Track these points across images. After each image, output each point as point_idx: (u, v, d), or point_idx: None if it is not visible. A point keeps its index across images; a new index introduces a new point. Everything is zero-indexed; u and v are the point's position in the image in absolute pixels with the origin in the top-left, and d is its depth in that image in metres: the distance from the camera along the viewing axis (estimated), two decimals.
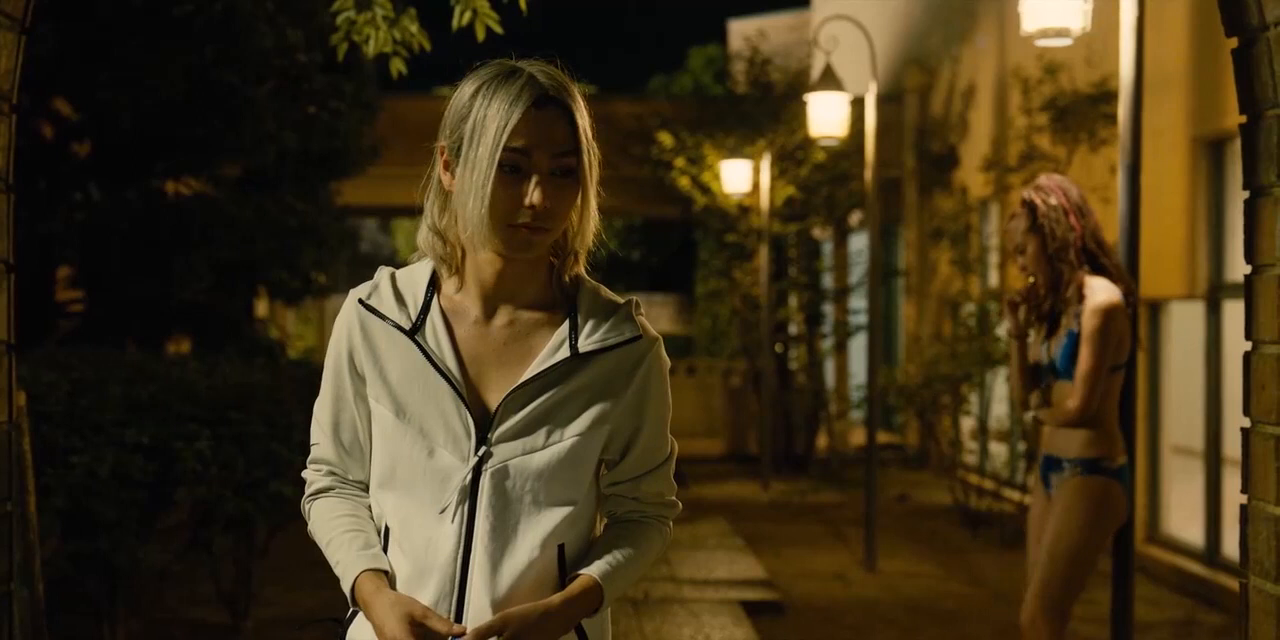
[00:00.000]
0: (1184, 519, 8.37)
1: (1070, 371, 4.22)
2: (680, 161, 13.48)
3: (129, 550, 5.49)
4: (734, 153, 12.64)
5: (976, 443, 11.03)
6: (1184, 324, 8.36)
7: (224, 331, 8.96)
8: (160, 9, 6.55)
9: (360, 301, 1.94)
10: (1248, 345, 1.95)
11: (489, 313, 1.95)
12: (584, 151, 1.89)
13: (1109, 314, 4.12)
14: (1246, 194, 1.94)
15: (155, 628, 6.22)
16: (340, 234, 9.09)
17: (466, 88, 1.89)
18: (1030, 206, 4.26)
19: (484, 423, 1.89)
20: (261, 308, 13.64)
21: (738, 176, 12.49)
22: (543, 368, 1.90)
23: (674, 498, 2.07)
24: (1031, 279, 4.32)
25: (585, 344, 1.91)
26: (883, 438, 13.10)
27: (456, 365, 1.90)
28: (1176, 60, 8.19)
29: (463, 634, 1.83)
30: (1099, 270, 4.24)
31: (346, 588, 1.92)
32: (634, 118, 14.00)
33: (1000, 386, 10.61)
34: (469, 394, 1.90)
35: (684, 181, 13.52)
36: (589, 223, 1.94)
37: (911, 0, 15.69)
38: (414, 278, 1.97)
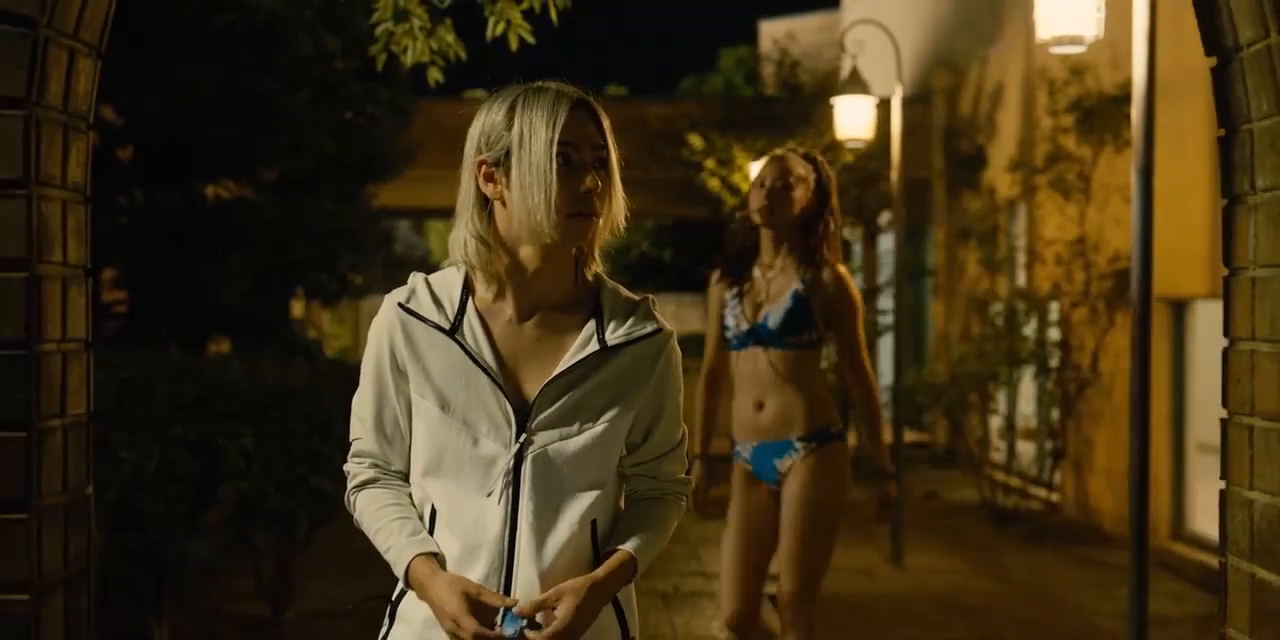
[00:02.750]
0: (1209, 516, 8.47)
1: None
2: (710, 163, 13.62)
3: (176, 544, 5.68)
4: (763, 154, 12.77)
5: (1004, 441, 11.13)
6: (1208, 322, 8.45)
7: (262, 332, 9.17)
8: (201, 19, 6.74)
9: (400, 305, 2.11)
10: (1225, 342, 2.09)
11: (522, 312, 2.13)
12: (611, 145, 2.10)
13: None
14: (1225, 202, 2.08)
15: (198, 622, 6.39)
16: (376, 236, 9.29)
17: (498, 107, 2.09)
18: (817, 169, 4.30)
19: (523, 412, 2.07)
20: (297, 308, 13.87)
21: None
22: (574, 361, 2.08)
23: (686, 476, 2.27)
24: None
25: (612, 338, 2.10)
26: (912, 436, 13.21)
27: (495, 361, 2.08)
28: (1199, 62, 8.28)
29: (514, 606, 2.00)
30: None
31: (400, 571, 2.08)
32: (664, 120, 14.15)
33: (1027, 385, 10.70)
34: (507, 386, 2.07)
35: (714, 183, 13.66)
36: (619, 209, 2.12)
37: (939, 2, 15.78)
38: (448, 282, 2.15)
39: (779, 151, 4.34)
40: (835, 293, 4.20)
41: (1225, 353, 2.07)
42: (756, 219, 4.19)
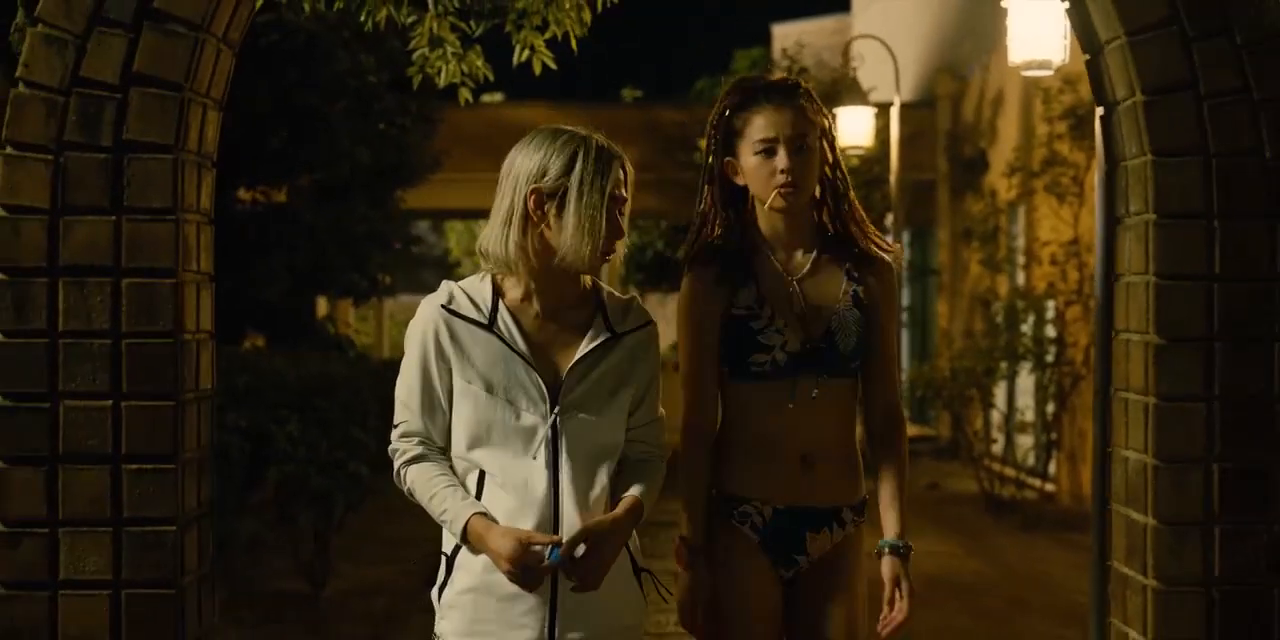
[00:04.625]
0: None
1: None
2: None
3: (226, 522, 6.21)
4: None
5: (1002, 434, 11.61)
6: None
7: (296, 329, 9.75)
8: (250, 40, 7.32)
9: (443, 306, 2.62)
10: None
11: (545, 310, 2.65)
12: (629, 196, 2.64)
13: None
14: (1108, 222, 2.63)
15: (240, 597, 6.88)
16: (405, 238, 9.85)
17: (559, 150, 2.59)
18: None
19: (554, 389, 2.59)
20: (322, 306, 14.44)
21: None
22: (592, 346, 2.61)
23: (665, 443, 2.76)
24: None
25: (620, 328, 2.65)
26: (916, 430, 13.69)
27: (527, 348, 2.60)
28: None
29: (560, 542, 2.50)
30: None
31: (458, 528, 2.55)
32: (676, 124, 14.68)
33: (1025, 379, 11.18)
34: (540, 368, 2.60)
35: None
36: (624, 243, 2.66)
37: (944, 10, 16.25)
38: (478, 287, 2.66)
39: (769, 79, 2.93)
40: (883, 287, 2.92)
41: (1108, 342, 2.62)
42: (778, 204, 2.83)
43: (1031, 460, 11.15)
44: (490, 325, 2.59)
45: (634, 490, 2.62)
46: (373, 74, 8.38)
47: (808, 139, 2.79)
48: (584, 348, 2.61)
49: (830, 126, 2.88)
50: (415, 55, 5.61)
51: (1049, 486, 10.97)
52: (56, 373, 2.51)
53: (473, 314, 2.60)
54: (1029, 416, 11.31)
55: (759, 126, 2.79)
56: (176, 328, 2.52)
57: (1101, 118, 2.61)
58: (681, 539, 2.80)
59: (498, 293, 2.63)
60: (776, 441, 2.82)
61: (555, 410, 2.58)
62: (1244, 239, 2.48)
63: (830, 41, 20.23)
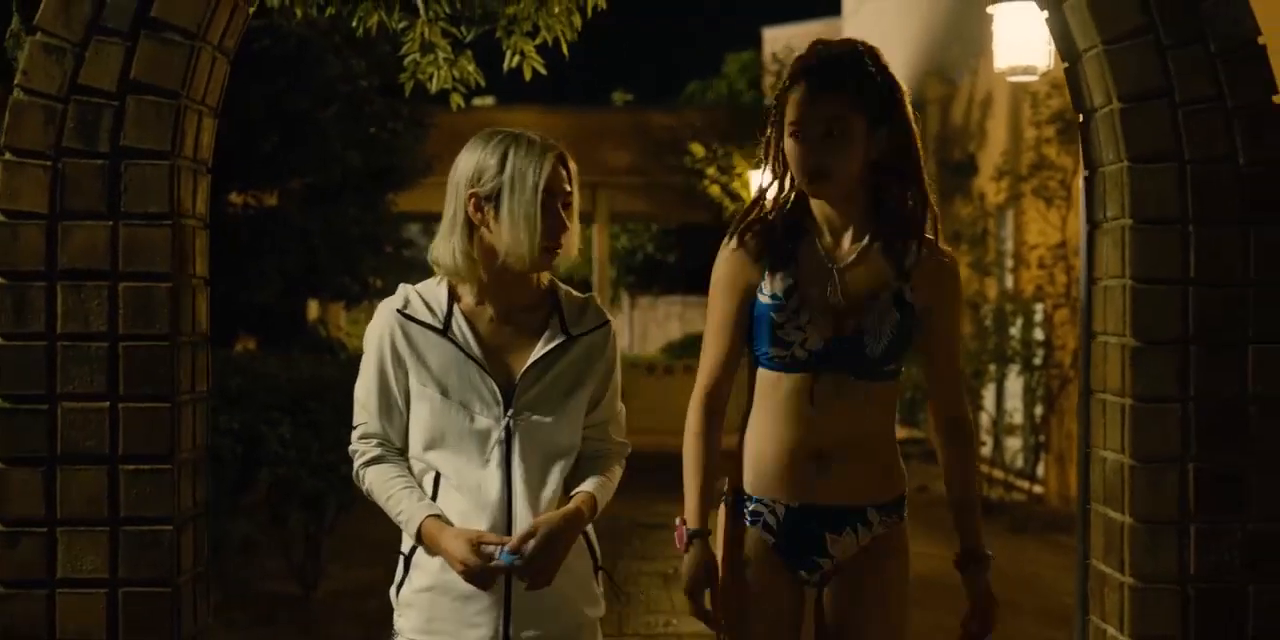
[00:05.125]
0: None
1: None
2: (711, 170, 14.21)
3: (218, 524, 6.25)
4: (761, 163, 13.34)
5: (991, 436, 11.69)
6: None
7: (288, 331, 9.80)
8: (242, 46, 7.37)
9: (398, 311, 2.66)
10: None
11: (499, 313, 2.67)
12: (575, 191, 2.68)
13: None
14: (1088, 227, 2.69)
15: (233, 599, 6.92)
16: (396, 242, 9.90)
17: (492, 149, 2.60)
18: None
19: (508, 393, 2.62)
20: (313, 309, 14.48)
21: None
22: (546, 349, 2.64)
23: (625, 440, 2.81)
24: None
25: (574, 330, 2.67)
26: (905, 433, 13.76)
27: (481, 353, 2.62)
28: None
29: (508, 544, 2.53)
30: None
31: (413, 529, 2.60)
32: (667, 129, 14.78)
33: (1013, 382, 11.26)
34: (494, 372, 2.62)
35: (714, 189, 14.25)
36: (575, 242, 2.70)
37: (933, 15, 16.35)
38: (434, 291, 2.69)
39: (826, 53, 2.69)
40: (942, 290, 2.73)
41: (1088, 345, 2.68)
42: (807, 190, 2.72)
43: (1020, 462, 11.24)
44: (445, 330, 2.63)
45: (587, 485, 2.67)
46: (364, 78, 8.43)
47: (841, 125, 2.60)
48: (539, 351, 2.64)
49: (894, 112, 2.65)
50: (407, 61, 5.67)
51: (1037, 488, 11.05)
52: (55, 375, 2.56)
53: (428, 318, 2.64)
54: (1017, 419, 11.40)
55: (791, 107, 2.65)
56: (173, 330, 2.57)
57: (1080, 125, 2.67)
58: (680, 521, 2.71)
59: (453, 297, 2.67)
60: (792, 437, 2.68)
61: (509, 413, 2.61)
62: (1218, 244, 2.55)
63: None
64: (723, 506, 2.78)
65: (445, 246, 2.63)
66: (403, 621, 2.67)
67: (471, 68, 5.67)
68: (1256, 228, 2.55)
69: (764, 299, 2.69)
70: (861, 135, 2.63)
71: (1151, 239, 2.55)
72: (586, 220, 18.17)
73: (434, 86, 5.61)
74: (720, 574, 2.70)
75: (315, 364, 7.29)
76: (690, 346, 23.14)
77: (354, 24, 5.22)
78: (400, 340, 2.62)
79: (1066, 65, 2.75)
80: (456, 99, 5.72)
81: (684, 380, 18.57)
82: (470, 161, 2.61)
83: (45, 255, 2.55)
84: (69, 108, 2.54)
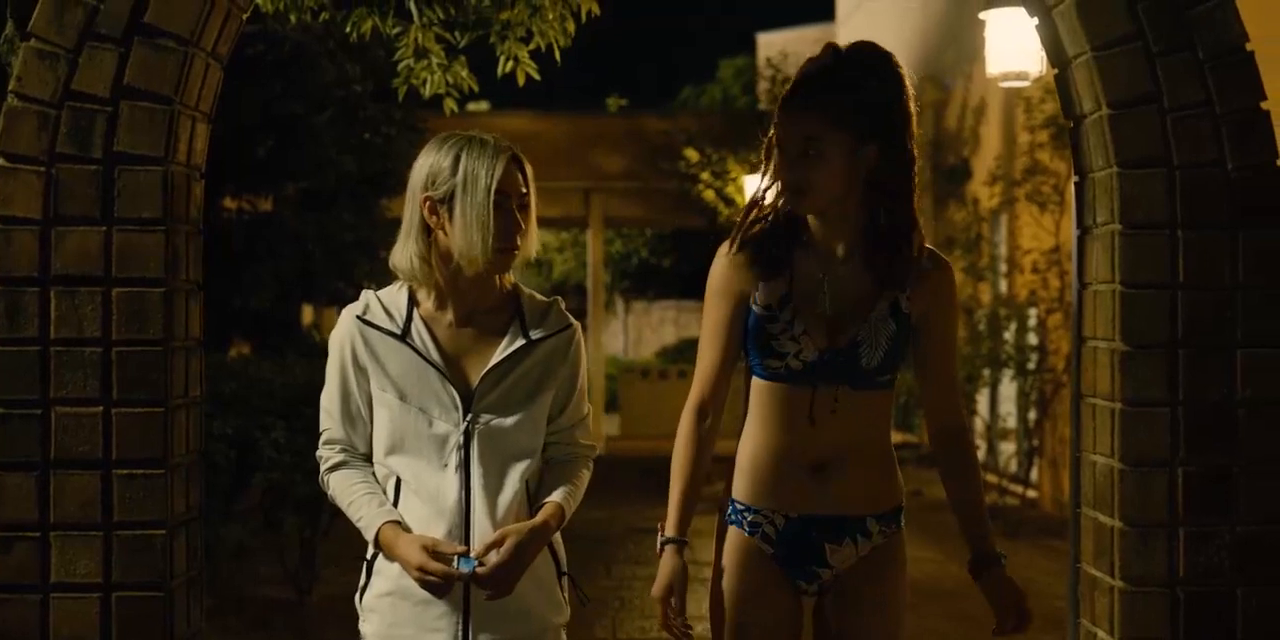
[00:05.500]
0: None
1: None
2: (706, 175, 14.23)
3: (212, 529, 6.26)
4: (756, 167, 13.34)
5: (984, 441, 11.71)
6: None
7: (282, 336, 9.80)
8: (236, 50, 7.39)
9: (358, 317, 2.67)
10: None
11: (459, 317, 2.68)
12: (532, 191, 2.68)
13: None
14: (1079, 232, 2.70)
15: (227, 604, 6.93)
16: (390, 247, 9.88)
17: (445, 152, 2.61)
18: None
19: (467, 397, 2.62)
20: (308, 314, 14.49)
21: None
22: (506, 353, 2.65)
23: (592, 442, 2.81)
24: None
25: (535, 334, 2.67)
26: (900, 437, 13.78)
27: (440, 358, 2.63)
28: None
29: (466, 553, 2.55)
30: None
31: (371, 535, 2.62)
32: (661, 133, 14.79)
33: (1007, 387, 11.28)
34: (453, 377, 2.63)
35: (709, 194, 14.27)
36: (534, 243, 2.69)
37: (926, 20, 16.40)
38: (394, 297, 2.70)
39: (815, 68, 2.71)
40: (939, 298, 2.72)
41: (1079, 349, 2.69)
42: (796, 209, 2.71)
43: (1014, 467, 11.25)
44: (404, 336, 2.63)
45: (555, 496, 2.67)
46: (358, 83, 8.45)
47: (817, 146, 2.58)
48: (498, 355, 2.65)
49: (885, 127, 2.62)
50: (401, 66, 5.69)
51: (1031, 493, 11.07)
52: (48, 380, 2.56)
53: (387, 324, 2.65)
54: (1011, 423, 11.42)
55: (776, 122, 2.66)
56: (166, 336, 2.57)
57: (1070, 131, 2.68)
58: (660, 527, 2.69)
59: (413, 302, 2.67)
60: (789, 448, 2.67)
61: (468, 417, 2.62)
62: (1207, 249, 2.56)
63: (814, 50, 20.29)
64: (719, 515, 2.77)
65: (403, 251, 2.64)
66: (366, 627, 2.70)
67: (465, 73, 5.69)
68: (1245, 232, 2.56)
69: (757, 310, 2.66)
70: (842, 153, 2.59)
71: (1141, 244, 2.56)
72: (581, 225, 18.27)
73: (428, 92, 5.62)
74: (716, 583, 2.70)
75: (309, 369, 7.27)
76: (685, 351, 23.19)
77: (348, 29, 5.24)
78: (360, 346, 2.64)
79: (1056, 72, 2.76)
80: (450, 104, 5.74)
81: (678, 385, 18.57)
82: (425, 165, 2.63)
83: (39, 260, 2.56)
84: (62, 113, 2.55)
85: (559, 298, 2.79)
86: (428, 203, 2.61)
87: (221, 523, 6.34)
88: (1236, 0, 2.57)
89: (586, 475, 2.77)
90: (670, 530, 2.69)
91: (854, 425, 2.66)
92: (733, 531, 2.72)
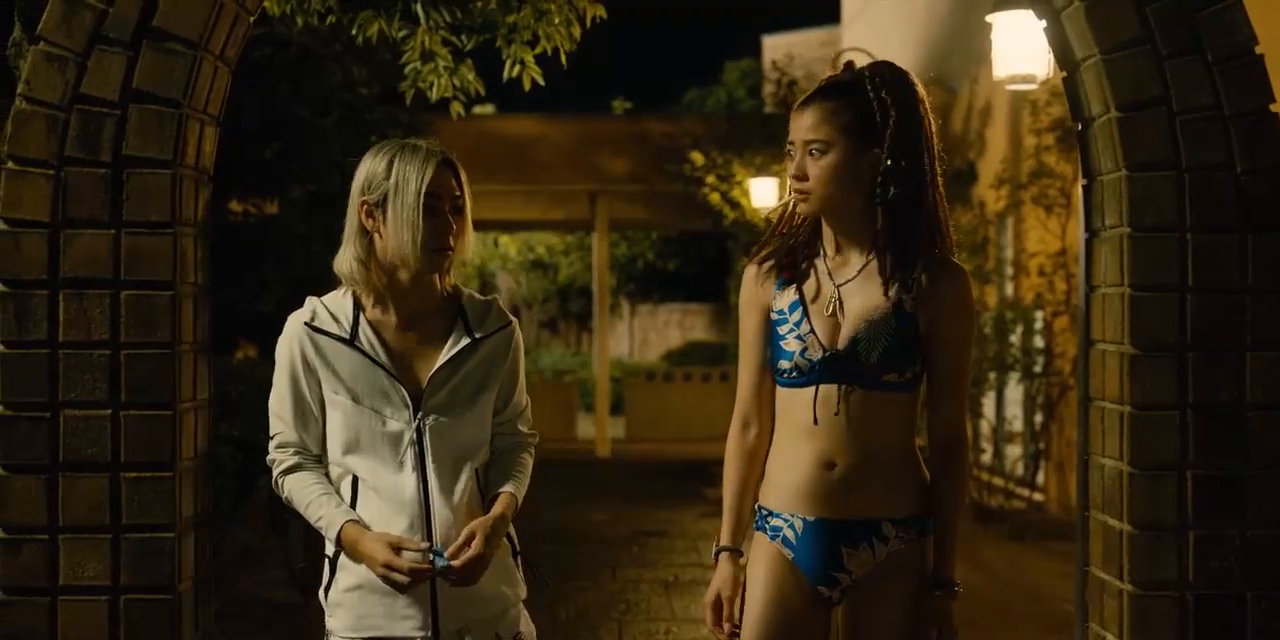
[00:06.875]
0: None
1: None
2: (711, 178, 14.21)
3: (218, 531, 6.26)
4: (762, 170, 13.37)
5: (991, 444, 11.70)
6: None
7: None
8: (243, 54, 7.41)
9: (306, 323, 2.72)
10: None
11: (403, 319, 2.74)
12: (466, 195, 2.74)
13: None
14: (1087, 235, 2.70)
15: (232, 607, 6.93)
16: None
17: (381, 158, 2.69)
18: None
19: (417, 397, 2.69)
20: None
21: (766, 193, 13.23)
22: (452, 353, 2.72)
23: (534, 431, 2.90)
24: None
25: (479, 332, 2.75)
26: None
27: (389, 359, 2.69)
28: None
29: (429, 548, 2.61)
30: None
31: (333, 535, 2.67)
32: (666, 136, 14.78)
33: (1013, 390, 11.27)
34: (402, 378, 2.70)
35: (714, 197, 14.26)
36: (469, 244, 2.76)
37: (932, 23, 16.39)
38: (339, 303, 2.75)
39: (832, 76, 2.81)
40: (947, 307, 2.71)
41: (1087, 352, 2.69)
42: (800, 209, 2.77)
43: (1020, 470, 11.24)
44: (352, 340, 2.69)
45: (508, 486, 2.78)
46: (364, 86, 8.45)
47: (818, 146, 2.65)
48: (445, 354, 2.73)
49: (890, 135, 2.64)
50: (407, 69, 5.70)
51: (1037, 496, 11.05)
52: (57, 383, 2.57)
53: (334, 329, 2.70)
54: (1017, 426, 11.40)
55: (790, 127, 2.72)
56: (174, 338, 2.58)
57: (1079, 133, 2.68)
58: (716, 536, 2.80)
59: (359, 306, 2.73)
60: (802, 449, 2.70)
61: (419, 416, 2.69)
62: (1215, 251, 2.56)
63: (820, 53, 20.37)
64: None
65: (343, 256, 2.71)
66: (334, 622, 2.74)
67: (471, 76, 5.70)
68: (1254, 235, 2.56)
69: (774, 315, 2.75)
70: (842, 155, 2.64)
71: (1150, 247, 2.56)
72: (586, 228, 18.26)
73: (434, 95, 5.64)
74: (743, 590, 2.74)
75: None
76: (690, 354, 23.18)
77: (354, 32, 5.25)
78: (310, 351, 2.69)
79: (1065, 74, 2.76)
80: (456, 107, 5.75)
81: (684, 388, 18.59)
82: (363, 171, 2.71)
83: (47, 264, 2.57)
84: (71, 117, 2.55)
85: (497, 296, 2.87)
86: (365, 207, 2.68)
87: (228, 525, 6.33)
88: (1245, 3, 2.56)
89: (530, 461, 2.87)
90: (724, 539, 2.79)
91: (864, 427, 2.66)
92: (758, 537, 2.77)
